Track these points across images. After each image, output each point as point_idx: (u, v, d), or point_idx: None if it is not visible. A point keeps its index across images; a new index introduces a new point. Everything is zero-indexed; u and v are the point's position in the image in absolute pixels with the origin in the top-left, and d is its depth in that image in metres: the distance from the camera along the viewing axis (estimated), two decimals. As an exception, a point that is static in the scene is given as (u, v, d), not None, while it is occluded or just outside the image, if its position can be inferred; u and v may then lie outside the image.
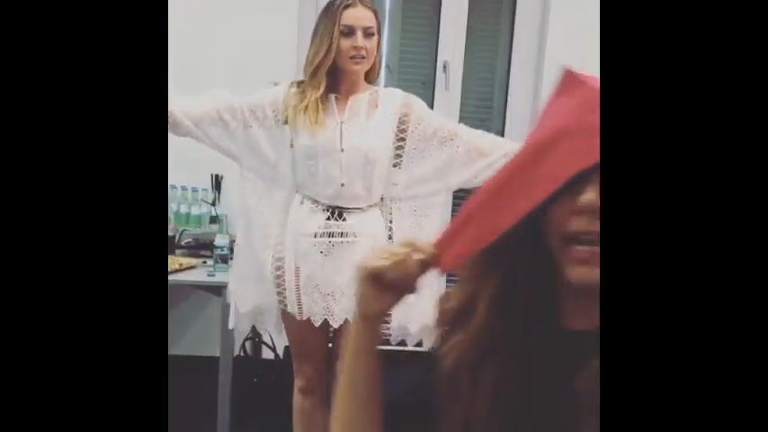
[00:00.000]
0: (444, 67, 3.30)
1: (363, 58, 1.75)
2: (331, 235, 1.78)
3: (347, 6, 1.75)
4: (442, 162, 1.87)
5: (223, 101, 1.83)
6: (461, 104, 3.35)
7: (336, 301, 1.80)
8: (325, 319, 1.84)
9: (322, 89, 1.77)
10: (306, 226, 1.79)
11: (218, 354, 2.28)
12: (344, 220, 1.79)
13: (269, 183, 1.87)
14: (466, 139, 1.87)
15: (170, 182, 2.87)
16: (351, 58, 1.74)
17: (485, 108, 3.43)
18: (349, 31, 1.74)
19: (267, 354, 2.97)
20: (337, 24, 1.73)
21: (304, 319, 1.83)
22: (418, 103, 1.87)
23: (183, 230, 2.64)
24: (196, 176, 2.97)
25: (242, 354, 2.93)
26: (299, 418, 2.00)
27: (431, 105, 3.31)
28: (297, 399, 1.98)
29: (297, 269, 1.81)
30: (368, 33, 1.76)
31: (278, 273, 1.83)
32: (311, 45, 1.79)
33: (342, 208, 1.79)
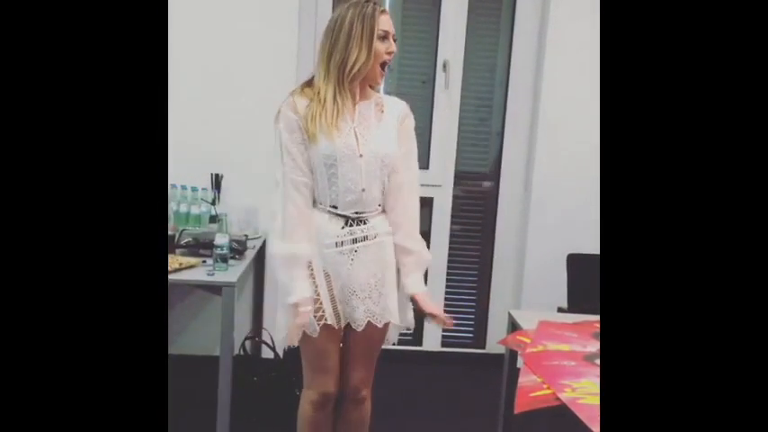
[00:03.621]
0: (444, 66, 3.30)
1: (387, 64, 1.82)
2: (354, 241, 1.80)
3: (382, 12, 1.80)
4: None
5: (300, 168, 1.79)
6: (461, 103, 3.35)
7: (375, 302, 1.82)
8: (335, 329, 1.83)
9: (358, 96, 1.81)
10: (327, 236, 1.79)
11: (217, 353, 2.28)
12: (365, 223, 1.81)
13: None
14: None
15: (170, 181, 2.87)
16: (382, 64, 1.80)
17: (484, 107, 3.43)
18: (384, 36, 1.80)
19: (267, 353, 2.98)
20: (376, 29, 1.76)
21: (342, 326, 1.84)
22: (409, 123, 1.89)
23: (183, 230, 2.64)
24: (196, 176, 2.98)
25: (242, 353, 2.93)
26: (308, 429, 1.97)
27: (431, 104, 3.33)
28: (307, 411, 1.93)
29: (328, 279, 1.82)
30: (394, 40, 1.83)
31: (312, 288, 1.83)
32: (343, 49, 1.75)
33: (360, 212, 1.80)
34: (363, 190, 1.78)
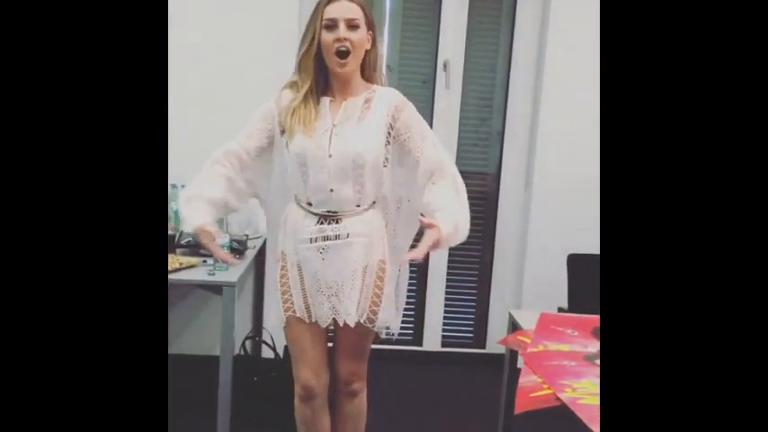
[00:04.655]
0: (445, 65, 3.30)
1: (347, 51, 1.74)
2: (326, 238, 1.79)
3: (330, 1, 1.76)
4: (410, 179, 1.86)
5: (229, 159, 1.86)
6: (462, 103, 3.35)
7: (341, 301, 1.81)
8: (313, 322, 1.84)
9: (309, 82, 1.78)
10: (302, 231, 1.80)
11: (218, 353, 2.28)
12: (338, 222, 1.79)
13: (283, 196, 1.89)
14: (421, 169, 1.81)
15: (170, 181, 2.87)
16: (335, 53, 1.74)
17: (485, 107, 3.43)
18: (331, 24, 1.74)
19: (267, 353, 2.98)
20: (320, 18, 1.74)
21: (312, 321, 1.84)
22: (409, 111, 1.84)
23: (184, 230, 2.64)
24: (196, 176, 2.97)
25: (242, 353, 2.93)
26: (301, 425, 1.99)
27: (431, 104, 3.33)
28: (297, 406, 1.96)
29: (300, 273, 1.82)
30: (352, 25, 1.74)
31: (283, 280, 1.84)
32: (300, 43, 1.81)
33: (333, 212, 1.79)
34: (332, 190, 1.77)
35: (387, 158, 1.84)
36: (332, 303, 1.82)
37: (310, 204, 1.80)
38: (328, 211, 1.79)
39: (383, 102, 1.82)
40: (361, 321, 1.83)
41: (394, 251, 1.92)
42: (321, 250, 1.79)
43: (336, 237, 1.79)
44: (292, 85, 1.83)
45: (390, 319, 1.91)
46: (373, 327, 1.85)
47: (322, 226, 1.79)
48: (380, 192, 1.87)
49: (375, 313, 1.84)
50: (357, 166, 1.76)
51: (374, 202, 1.85)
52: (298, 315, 1.83)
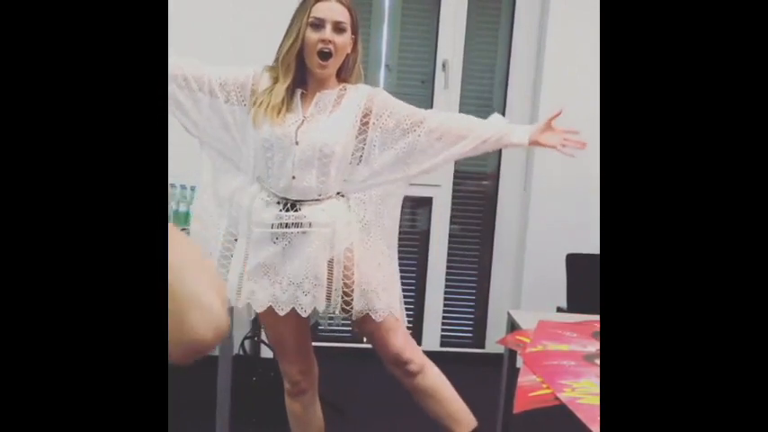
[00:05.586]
0: (444, 65, 3.30)
1: (330, 53, 1.74)
2: (285, 225, 1.77)
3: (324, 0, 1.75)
4: (402, 151, 1.85)
5: (191, 67, 1.83)
6: (461, 103, 3.35)
7: (284, 290, 1.78)
8: (308, 317, 1.83)
9: (289, 81, 1.77)
10: (261, 217, 1.78)
11: (217, 353, 2.28)
12: (297, 210, 1.77)
13: (230, 164, 1.88)
14: (428, 128, 1.84)
15: (170, 180, 2.87)
16: (318, 53, 1.73)
17: (484, 107, 3.43)
18: (318, 24, 1.74)
19: (266, 352, 2.98)
20: (307, 16, 1.73)
21: (240, 306, 1.82)
22: (381, 96, 1.85)
23: (183, 229, 2.64)
24: (196, 175, 2.97)
25: (241, 353, 2.93)
26: (292, 421, 1.98)
27: (430, 104, 3.32)
28: (287, 402, 1.96)
29: (246, 256, 1.80)
30: (339, 28, 1.74)
31: (225, 254, 1.83)
32: (283, 37, 1.79)
33: (294, 200, 1.77)
34: (294, 177, 1.76)
35: (359, 147, 1.84)
36: (274, 290, 1.79)
37: (272, 189, 1.79)
38: (288, 199, 1.78)
39: (354, 96, 1.83)
40: (336, 313, 1.82)
41: (384, 233, 1.89)
42: (277, 237, 1.77)
43: (296, 225, 1.77)
44: (272, 72, 1.82)
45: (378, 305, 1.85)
46: (349, 317, 1.82)
47: (281, 212, 1.77)
48: (346, 186, 1.86)
49: (348, 303, 1.81)
50: (324, 155, 1.76)
51: (338, 193, 1.84)
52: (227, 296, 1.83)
